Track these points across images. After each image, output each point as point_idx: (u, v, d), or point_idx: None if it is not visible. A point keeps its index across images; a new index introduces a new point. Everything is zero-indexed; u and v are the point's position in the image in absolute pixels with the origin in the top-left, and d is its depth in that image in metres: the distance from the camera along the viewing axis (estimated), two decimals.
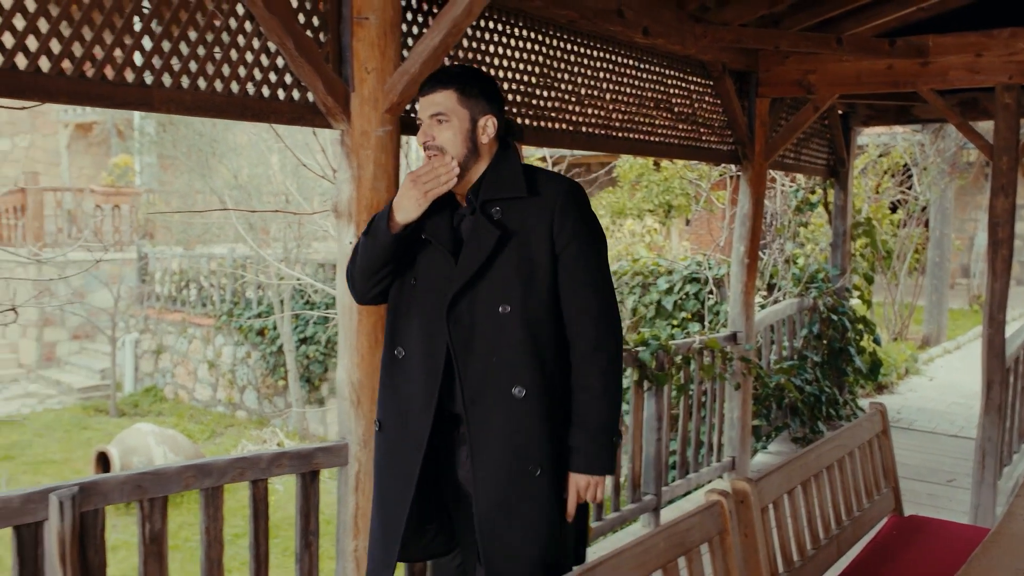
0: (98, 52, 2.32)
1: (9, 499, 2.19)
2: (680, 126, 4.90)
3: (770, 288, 8.01)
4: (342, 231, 2.76)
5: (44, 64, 2.22)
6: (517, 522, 2.29)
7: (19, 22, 2.18)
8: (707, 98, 5.13)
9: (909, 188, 12.16)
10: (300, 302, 11.66)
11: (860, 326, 7.49)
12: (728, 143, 5.35)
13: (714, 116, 5.20)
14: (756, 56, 5.31)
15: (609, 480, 4.57)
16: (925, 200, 11.97)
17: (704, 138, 5.13)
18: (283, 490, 7.95)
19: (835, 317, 7.22)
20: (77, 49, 2.28)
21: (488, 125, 2.33)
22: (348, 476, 2.85)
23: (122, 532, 7.45)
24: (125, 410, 12.59)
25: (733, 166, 6.62)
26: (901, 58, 4.89)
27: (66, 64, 2.26)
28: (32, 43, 2.20)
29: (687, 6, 4.43)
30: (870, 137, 12.20)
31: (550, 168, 8.76)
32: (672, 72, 4.80)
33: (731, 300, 5.69)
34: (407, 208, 2.28)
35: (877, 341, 7.74)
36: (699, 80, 5.04)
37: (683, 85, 4.91)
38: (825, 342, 7.19)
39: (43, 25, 2.21)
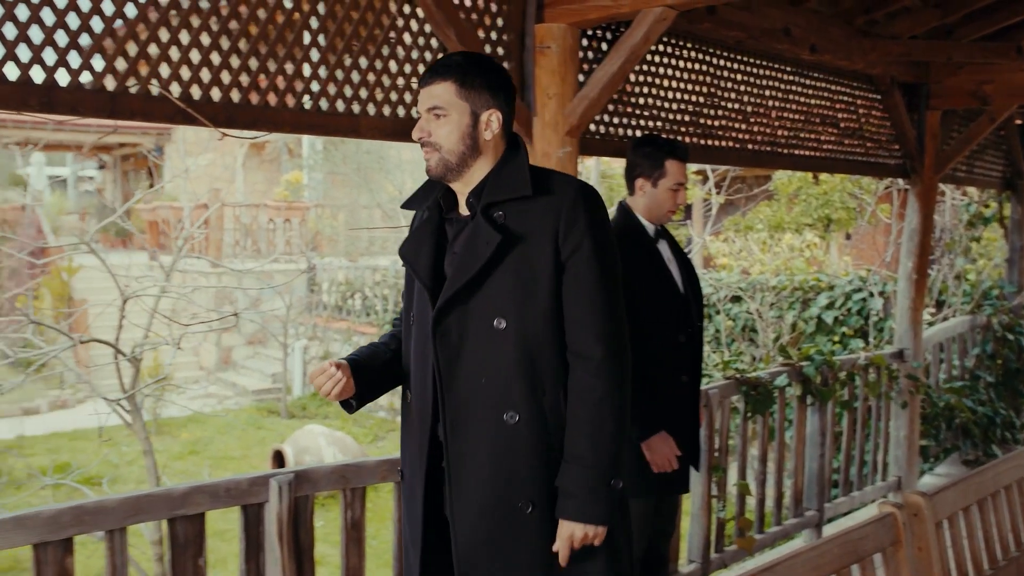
0: (315, 87, 2.61)
1: (238, 482, 2.49)
2: (846, 141, 4.87)
3: (939, 305, 7.72)
4: None
5: (272, 99, 2.53)
6: (501, 564, 2.01)
7: (252, 63, 2.49)
8: (874, 112, 5.07)
9: None
10: None
11: None
12: (896, 157, 5.26)
13: (881, 130, 5.13)
14: (927, 68, 5.20)
15: (771, 493, 4.58)
16: None
17: (871, 152, 5.08)
18: None
19: (1011, 336, 6.90)
20: (298, 84, 2.57)
21: (492, 120, 2.04)
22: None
23: None
24: (294, 412, 13.35)
25: (900, 179, 6.47)
26: None
27: (289, 98, 2.56)
28: (263, 81, 2.51)
29: (855, 21, 4.42)
30: None
31: (711, 181, 8.76)
32: (838, 87, 4.79)
33: (897, 317, 5.58)
34: None
35: None
36: (866, 94, 4.99)
37: (849, 100, 4.88)
38: (1000, 362, 6.87)
39: (272, 65, 2.52)
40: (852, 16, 4.40)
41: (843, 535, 2.24)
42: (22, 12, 2.08)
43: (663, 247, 3.18)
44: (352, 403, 2.14)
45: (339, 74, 2.66)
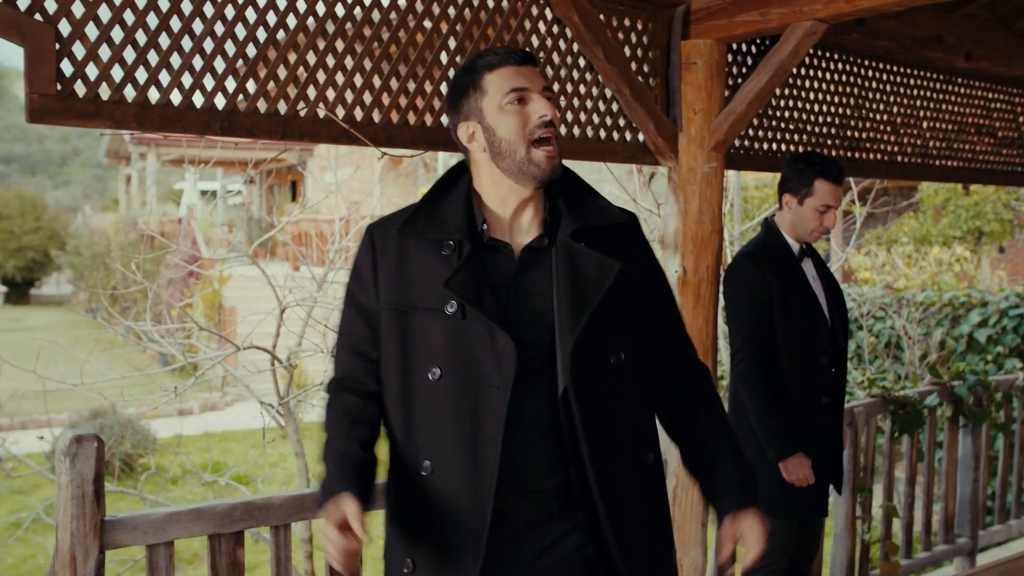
0: None
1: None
2: (1004, 151, 4.66)
3: None
4: (668, 260, 2.98)
5: (428, 119, 2.65)
6: None
7: (410, 85, 2.62)
8: None
9: None
10: None
11: None
12: None
13: None
14: None
15: (919, 517, 4.41)
16: None
17: None
18: None
19: None
20: None
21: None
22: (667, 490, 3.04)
23: None
24: None
25: None
26: None
27: (444, 118, 2.67)
28: (420, 102, 2.64)
29: (1015, 24, 4.23)
30: None
31: (852, 192, 8.54)
32: (995, 94, 4.59)
33: None
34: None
35: None
36: None
37: (1007, 107, 4.66)
38: None
39: (428, 86, 2.64)
40: (1012, 20, 4.21)
41: (1004, 563, 2.16)
42: (208, 44, 2.26)
43: (807, 266, 3.14)
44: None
45: None
